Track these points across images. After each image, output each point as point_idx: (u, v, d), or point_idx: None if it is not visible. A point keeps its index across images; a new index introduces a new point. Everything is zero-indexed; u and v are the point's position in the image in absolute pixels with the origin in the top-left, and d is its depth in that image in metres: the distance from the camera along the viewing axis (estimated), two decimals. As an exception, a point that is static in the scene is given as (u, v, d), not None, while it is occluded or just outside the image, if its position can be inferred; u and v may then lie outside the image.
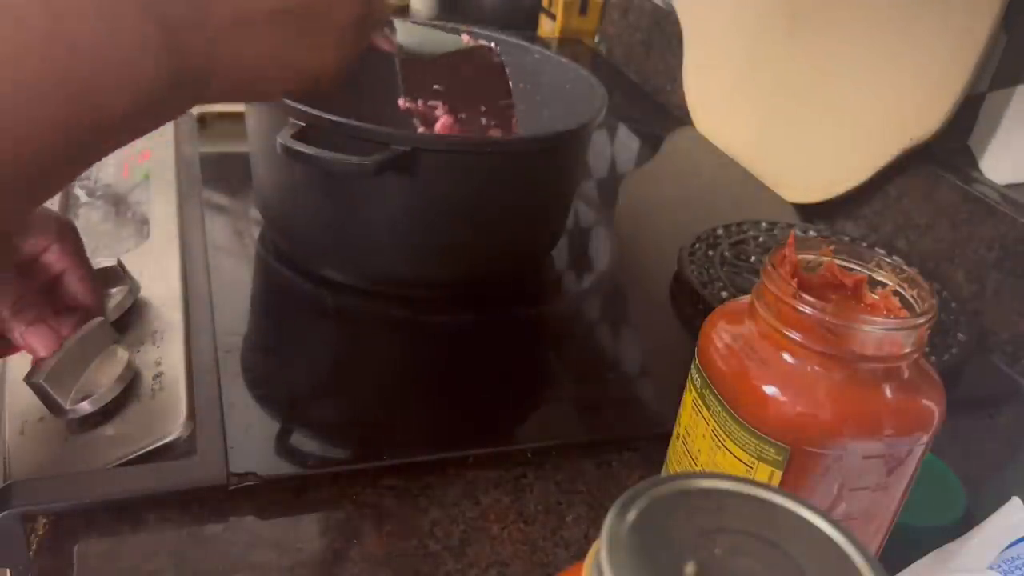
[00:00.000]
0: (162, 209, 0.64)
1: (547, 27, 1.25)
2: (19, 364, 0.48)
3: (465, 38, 0.57)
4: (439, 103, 0.60)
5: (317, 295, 0.59)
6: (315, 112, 0.51)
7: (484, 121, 0.60)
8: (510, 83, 0.59)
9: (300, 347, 0.54)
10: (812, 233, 0.74)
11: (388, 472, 0.45)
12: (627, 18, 1.18)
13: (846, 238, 0.76)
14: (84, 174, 0.72)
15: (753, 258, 0.68)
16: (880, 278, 0.36)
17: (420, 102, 0.60)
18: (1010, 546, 0.37)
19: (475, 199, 0.56)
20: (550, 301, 0.66)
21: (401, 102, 0.60)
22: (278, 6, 0.36)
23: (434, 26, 0.59)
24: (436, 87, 0.59)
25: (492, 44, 0.57)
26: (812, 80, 0.82)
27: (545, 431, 0.50)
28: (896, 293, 0.35)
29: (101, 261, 0.52)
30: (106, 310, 0.49)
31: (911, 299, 0.35)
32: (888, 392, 0.33)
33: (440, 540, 0.42)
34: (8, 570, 0.40)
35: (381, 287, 0.59)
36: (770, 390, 0.33)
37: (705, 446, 0.36)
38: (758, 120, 0.89)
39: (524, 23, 1.26)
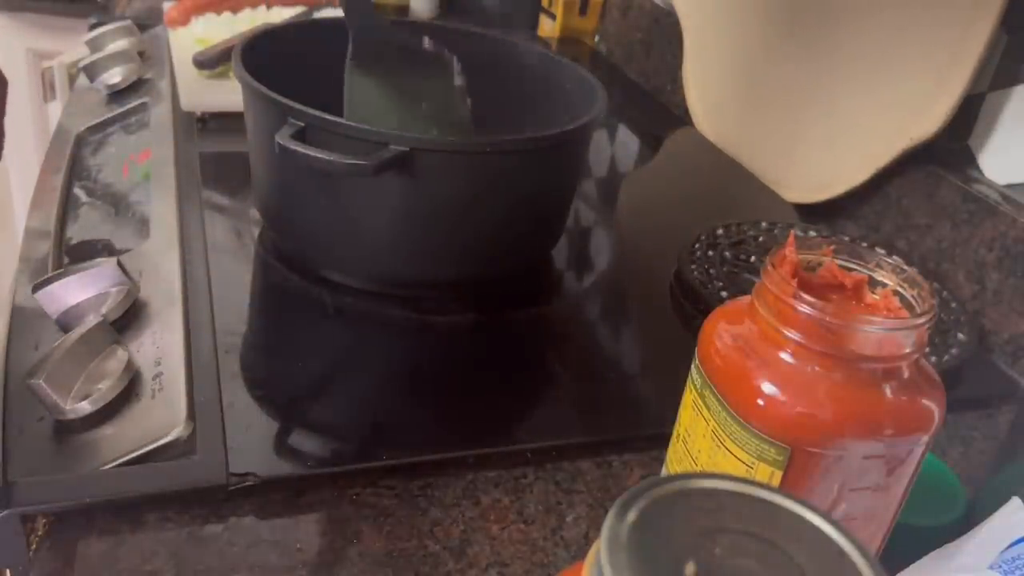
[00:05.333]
0: (162, 209, 0.64)
1: (547, 27, 1.25)
2: (19, 363, 0.48)
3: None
4: None
5: (317, 295, 0.59)
6: (315, 112, 0.51)
7: None
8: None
9: (300, 347, 0.54)
10: (812, 233, 0.74)
11: (388, 472, 0.45)
12: (627, 18, 1.18)
13: (846, 238, 0.75)
14: (84, 173, 0.72)
15: (753, 258, 0.68)
16: (880, 278, 0.36)
17: None
18: (1010, 546, 0.37)
19: (474, 199, 0.56)
20: (550, 301, 0.66)
21: None
22: None
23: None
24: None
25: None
26: (812, 80, 0.82)
27: (545, 431, 0.50)
28: (896, 293, 0.35)
29: (101, 261, 0.52)
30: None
31: (911, 299, 0.35)
32: (888, 392, 0.33)
33: (440, 540, 0.42)
34: (8, 570, 0.40)
35: (380, 287, 0.59)
36: (770, 390, 0.33)
37: (705, 446, 0.36)
38: (758, 120, 0.89)
39: (524, 23, 1.26)
